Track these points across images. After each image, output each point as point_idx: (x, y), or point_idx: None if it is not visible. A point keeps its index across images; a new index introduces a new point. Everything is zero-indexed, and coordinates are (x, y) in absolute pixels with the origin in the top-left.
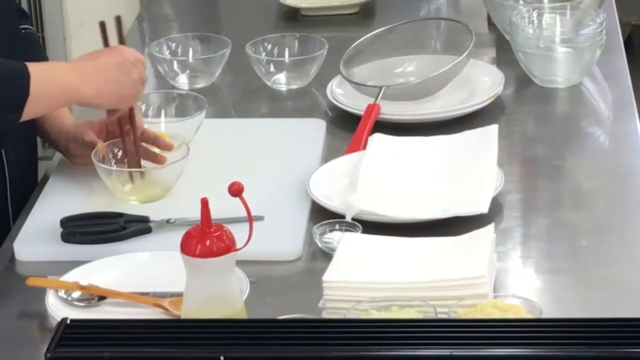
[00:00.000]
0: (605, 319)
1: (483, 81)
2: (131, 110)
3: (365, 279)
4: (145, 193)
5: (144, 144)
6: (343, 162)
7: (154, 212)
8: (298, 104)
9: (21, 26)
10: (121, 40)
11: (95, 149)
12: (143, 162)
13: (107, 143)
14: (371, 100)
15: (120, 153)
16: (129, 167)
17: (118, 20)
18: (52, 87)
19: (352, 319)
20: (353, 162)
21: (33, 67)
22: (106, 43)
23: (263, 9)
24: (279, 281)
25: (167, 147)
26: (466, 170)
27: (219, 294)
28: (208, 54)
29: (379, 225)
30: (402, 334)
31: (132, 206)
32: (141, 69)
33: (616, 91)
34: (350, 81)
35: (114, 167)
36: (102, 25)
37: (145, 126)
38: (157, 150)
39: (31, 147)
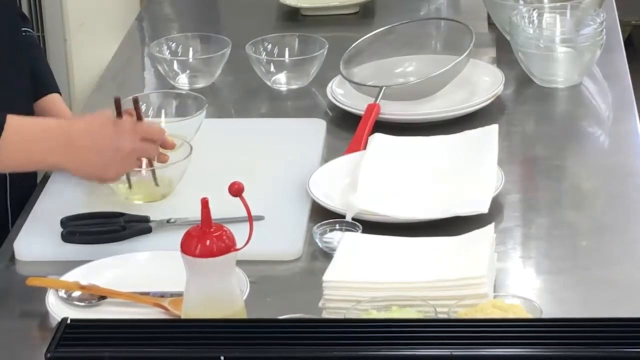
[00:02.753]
0: (605, 319)
1: (483, 81)
2: (137, 108)
3: (365, 279)
4: (148, 192)
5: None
6: (343, 162)
7: (154, 212)
8: (298, 104)
9: (22, 29)
10: (139, 118)
11: None
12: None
13: None
14: (371, 100)
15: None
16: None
17: (136, 102)
18: (25, 155)
19: (352, 319)
20: (353, 162)
21: (19, 128)
22: (119, 115)
23: (263, 9)
24: (279, 281)
25: (170, 146)
26: (466, 170)
27: (219, 294)
28: (208, 54)
29: (379, 225)
30: (402, 334)
31: (132, 206)
32: (136, 157)
33: (616, 91)
34: (350, 81)
35: None
36: (117, 102)
37: None
38: (159, 149)
39: None
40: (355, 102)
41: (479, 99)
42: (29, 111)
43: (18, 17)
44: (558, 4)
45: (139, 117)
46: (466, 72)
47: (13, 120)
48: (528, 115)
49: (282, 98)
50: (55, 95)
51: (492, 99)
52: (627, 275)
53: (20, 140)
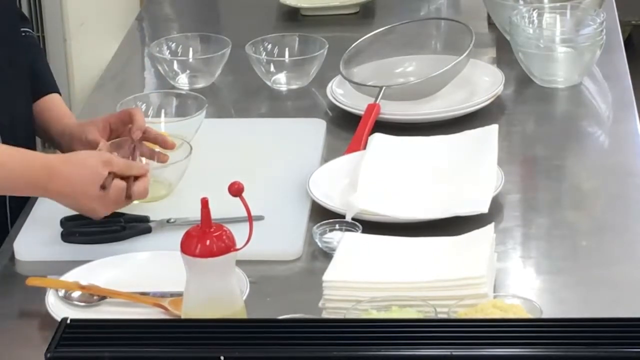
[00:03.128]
0: (605, 319)
1: (483, 81)
2: (133, 110)
3: (365, 279)
4: (149, 192)
5: (146, 143)
6: (343, 162)
7: (154, 212)
8: (298, 104)
9: (21, 29)
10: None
11: (99, 148)
12: (145, 161)
13: (110, 142)
14: (371, 100)
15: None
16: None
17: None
18: (8, 186)
19: (352, 319)
20: (353, 162)
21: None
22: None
23: (263, 9)
24: (279, 281)
25: (170, 146)
26: (466, 170)
27: (219, 294)
28: (208, 54)
29: (379, 225)
30: (402, 334)
31: (132, 206)
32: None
33: (616, 91)
34: (350, 81)
35: None
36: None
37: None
38: (159, 149)
39: (29, 148)
40: (355, 102)
41: (479, 99)
42: (28, 111)
43: (17, 18)
44: (558, 4)
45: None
46: (466, 72)
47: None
48: (528, 115)
49: (282, 98)
50: (55, 95)
51: (492, 99)
52: (627, 275)
53: (4, 171)
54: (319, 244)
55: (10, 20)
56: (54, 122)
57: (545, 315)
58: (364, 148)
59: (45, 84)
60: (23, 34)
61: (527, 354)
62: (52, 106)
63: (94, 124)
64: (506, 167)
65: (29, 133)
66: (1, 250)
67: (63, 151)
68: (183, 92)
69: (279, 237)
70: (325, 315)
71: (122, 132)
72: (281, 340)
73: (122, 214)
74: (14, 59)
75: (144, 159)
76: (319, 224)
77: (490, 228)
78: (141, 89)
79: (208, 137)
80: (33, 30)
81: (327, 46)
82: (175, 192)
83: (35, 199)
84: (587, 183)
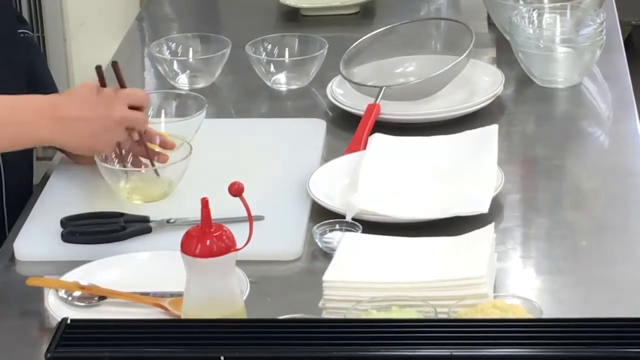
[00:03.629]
0: (605, 319)
1: (483, 81)
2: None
3: (365, 279)
4: (149, 192)
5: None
6: (343, 162)
7: (154, 212)
8: (298, 104)
9: (19, 31)
10: (121, 85)
11: None
12: (145, 161)
13: None
14: (371, 100)
15: (123, 152)
16: (133, 166)
17: (115, 66)
18: (14, 131)
19: (352, 319)
20: (353, 162)
21: (3, 105)
22: (103, 84)
23: (263, 9)
24: (279, 281)
25: (169, 146)
26: (466, 170)
27: (219, 294)
28: (208, 54)
29: (379, 225)
30: (402, 334)
31: (132, 206)
32: (125, 125)
33: (616, 91)
34: (350, 81)
35: (117, 167)
36: (99, 70)
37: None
38: (159, 149)
39: (28, 151)
40: (355, 102)
41: (479, 99)
42: None
43: (15, 18)
44: (558, 4)
45: (121, 83)
46: (466, 72)
47: None
48: (528, 115)
49: (282, 98)
50: None
51: (492, 99)
52: (627, 275)
53: (8, 116)
54: (319, 244)
55: (7, 20)
56: None
57: (545, 315)
58: (364, 148)
59: (43, 84)
60: (21, 35)
61: (527, 354)
62: None
63: None
64: (506, 167)
65: None
66: (1, 250)
67: (60, 151)
68: (183, 92)
69: (279, 237)
70: (325, 315)
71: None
72: (281, 340)
73: (122, 214)
74: (10, 61)
75: (143, 160)
76: (319, 224)
77: (490, 228)
78: (141, 89)
79: (208, 137)
80: (33, 31)
81: (327, 46)
82: (175, 192)
83: (35, 199)
84: (587, 183)
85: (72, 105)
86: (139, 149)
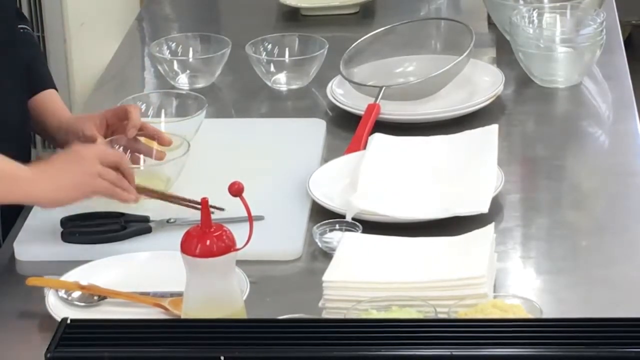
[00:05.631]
0: (605, 319)
1: (483, 81)
2: (128, 107)
3: (365, 279)
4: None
5: (143, 140)
6: (343, 162)
7: (154, 212)
8: (298, 104)
9: (19, 26)
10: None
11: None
12: (143, 158)
13: (107, 140)
14: (371, 100)
15: (121, 149)
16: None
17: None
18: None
19: (352, 319)
20: (353, 162)
21: None
22: None
23: (263, 9)
24: (279, 281)
25: (166, 143)
26: (466, 170)
27: (219, 294)
28: (208, 54)
29: (379, 225)
30: (402, 334)
31: (132, 206)
32: (103, 176)
33: (616, 91)
34: (350, 81)
35: None
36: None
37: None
38: (157, 146)
39: (25, 149)
40: (355, 102)
41: (479, 99)
42: (21, 109)
43: (14, 14)
44: (558, 4)
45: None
46: (466, 72)
47: None
48: (528, 115)
49: (282, 98)
50: (51, 91)
51: (492, 99)
52: (627, 275)
53: None
54: (319, 244)
55: (7, 19)
56: (50, 116)
57: (545, 315)
58: (364, 148)
59: (42, 79)
60: (21, 30)
61: (527, 354)
62: (49, 101)
63: (92, 120)
64: (506, 167)
65: (21, 127)
66: (1, 250)
67: (59, 146)
68: (183, 92)
69: (279, 237)
70: (325, 315)
71: (118, 127)
72: (281, 340)
73: (122, 214)
74: (7, 57)
75: (141, 156)
76: (319, 224)
77: (490, 228)
78: (141, 89)
79: (208, 137)
80: (32, 30)
81: (327, 46)
82: (175, 191)
83: None
84: (587, 183)
85: (52, 164)
86: (136, 145)
